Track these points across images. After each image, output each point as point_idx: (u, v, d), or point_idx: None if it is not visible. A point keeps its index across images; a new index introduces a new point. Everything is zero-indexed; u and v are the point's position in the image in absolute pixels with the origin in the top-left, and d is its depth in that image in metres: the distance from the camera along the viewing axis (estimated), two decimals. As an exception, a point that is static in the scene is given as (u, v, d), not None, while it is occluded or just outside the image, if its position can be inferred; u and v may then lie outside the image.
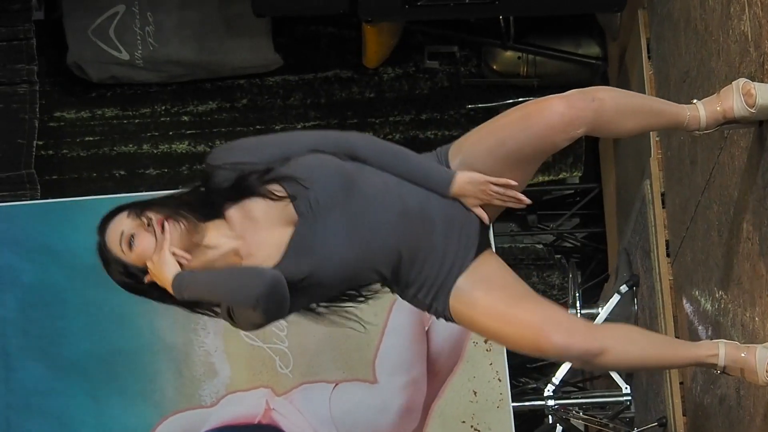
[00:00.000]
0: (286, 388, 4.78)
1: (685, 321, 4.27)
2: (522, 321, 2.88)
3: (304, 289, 2.85)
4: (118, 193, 5.44)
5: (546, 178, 6.27)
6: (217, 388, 4.78)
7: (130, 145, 6.09)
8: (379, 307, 4.77)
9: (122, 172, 6.06)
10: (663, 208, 4.63)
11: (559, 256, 6.40)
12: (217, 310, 2.91)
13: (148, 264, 2.87)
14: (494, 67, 6.08)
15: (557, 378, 5.14)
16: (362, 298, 3.03)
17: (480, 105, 6.03)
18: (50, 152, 6.02)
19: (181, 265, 2.85)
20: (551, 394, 5.14)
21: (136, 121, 6.13)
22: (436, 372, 4.76)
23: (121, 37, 5.98)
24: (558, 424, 5.20)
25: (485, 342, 4.78)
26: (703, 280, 3.88)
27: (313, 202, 2.84)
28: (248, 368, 4.79)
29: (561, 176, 6.34)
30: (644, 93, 4.74)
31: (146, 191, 5.41)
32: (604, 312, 5.20)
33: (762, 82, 2.95)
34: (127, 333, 4.79)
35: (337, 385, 4.77)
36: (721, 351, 2.89)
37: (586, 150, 6.18)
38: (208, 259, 2.88)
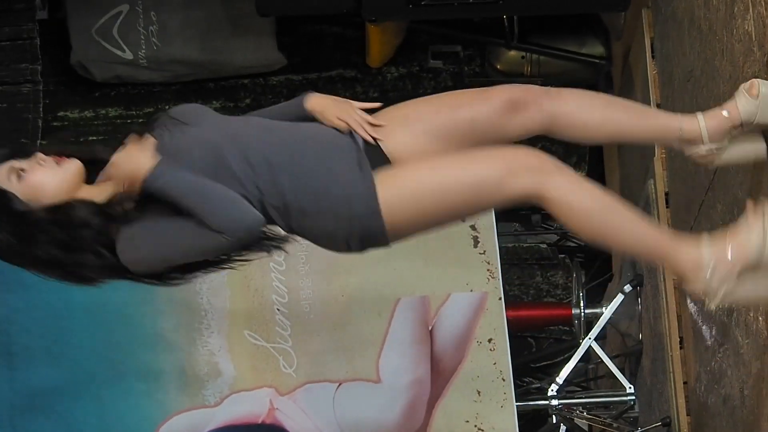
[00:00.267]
0: (290, 388, 4.78)
1: (689, 320, 4.26)
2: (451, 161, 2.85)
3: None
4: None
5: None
6: (220, 388, 4.78)
7: (134, 145, 6.09)
8: (383, 306, 4.79)
9: (125, 172, 6.05)
10: (667, 207, 4.63)
11: (563, 255, 6.39)
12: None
13: (115, 158, 2.83)
14: (498, 66, 6.07)
15: (561, 378, 5.13)
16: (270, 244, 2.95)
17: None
18: (54, 152, 6.02)
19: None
20: (555, 393, 5.14)
21: (140, 120, 6.12)
22: (439, 371, 4.76)
23: (124, 37, 5.98)
24: (562, 424, 5.19)
25: (489, 342, 4.78)
26: (707, 279, 3.87)
27: (169, 125, 2.91)
28: (252, 368, 4.79)
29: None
30: (648, 92, 4.74)
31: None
32: (608, 312, 5.20)
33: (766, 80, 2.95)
34: (131, 333, 4.79)
35: (340, 384, 4.77)
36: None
37: (589, 149, 6.17)
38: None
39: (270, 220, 2.90)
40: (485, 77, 6.14)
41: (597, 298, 5.76)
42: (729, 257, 2.72)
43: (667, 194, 4.62)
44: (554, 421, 5.20)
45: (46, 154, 2.88)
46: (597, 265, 6.36)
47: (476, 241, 4.85)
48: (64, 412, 4.75)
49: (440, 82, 6.18)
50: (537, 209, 6.55)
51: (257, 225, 2.81)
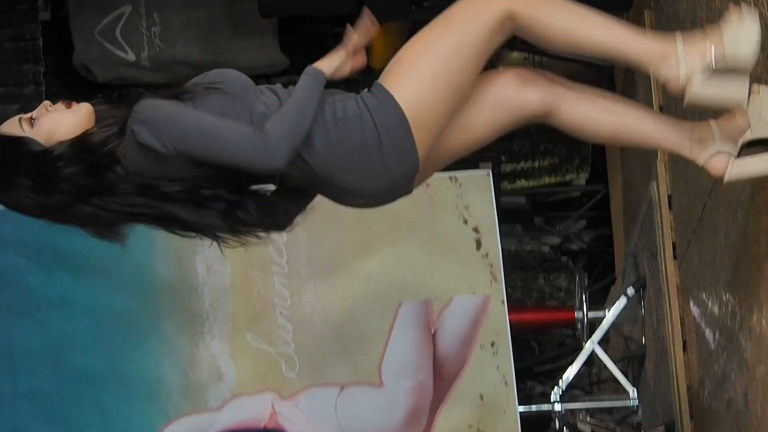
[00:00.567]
0: (292, 392, 4.77)
1: (692, 323, 4.25)
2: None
3: None
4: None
5: (553, 180, 6.26)
6: (222, 392, 4.77)
7: (136, 146, 6.09)
8: (386, 309, 4.77)
9: (128, 173, 6.05)
10: (670, 210, 4.62)
11: (565, 258, 6.39)
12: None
13: None
14: (501, 68, 6.06)
15: (564, 382, 5.12)
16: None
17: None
18: (56, 153, 6.02)
19: None
20: (558, 398, 5.13)
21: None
22: (442, 375, 4.74)
23: (127, 38, 5.99)
24: (565, 428, 5.18)
25: (491, 345, 4.76)
26: (710, 282, 3.86)
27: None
28: (254, 372, 4.78)
29: (568, 178, 6.33)
30: (651, 92, 4.73)
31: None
32: (610, 315, 5.18)
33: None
34: (133, 336, 4.78)
35: (343, 388, 4.76)
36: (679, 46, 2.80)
37: (592, 152, 6.17)
38: None
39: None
40: (488, 79, 6.13)
41: (600, 301, 5.75)
42: (702, 50, 2.74)
43: (670, 197, 4.61)
44: (557, 425, 5.18)
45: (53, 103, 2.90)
46: (600, 268, 6.36)
47: (479, 244, 4.84)
48: (66, 416, 4.74)
49: (443, 83, 6.16)
50: (538, 212, 6.54)
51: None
